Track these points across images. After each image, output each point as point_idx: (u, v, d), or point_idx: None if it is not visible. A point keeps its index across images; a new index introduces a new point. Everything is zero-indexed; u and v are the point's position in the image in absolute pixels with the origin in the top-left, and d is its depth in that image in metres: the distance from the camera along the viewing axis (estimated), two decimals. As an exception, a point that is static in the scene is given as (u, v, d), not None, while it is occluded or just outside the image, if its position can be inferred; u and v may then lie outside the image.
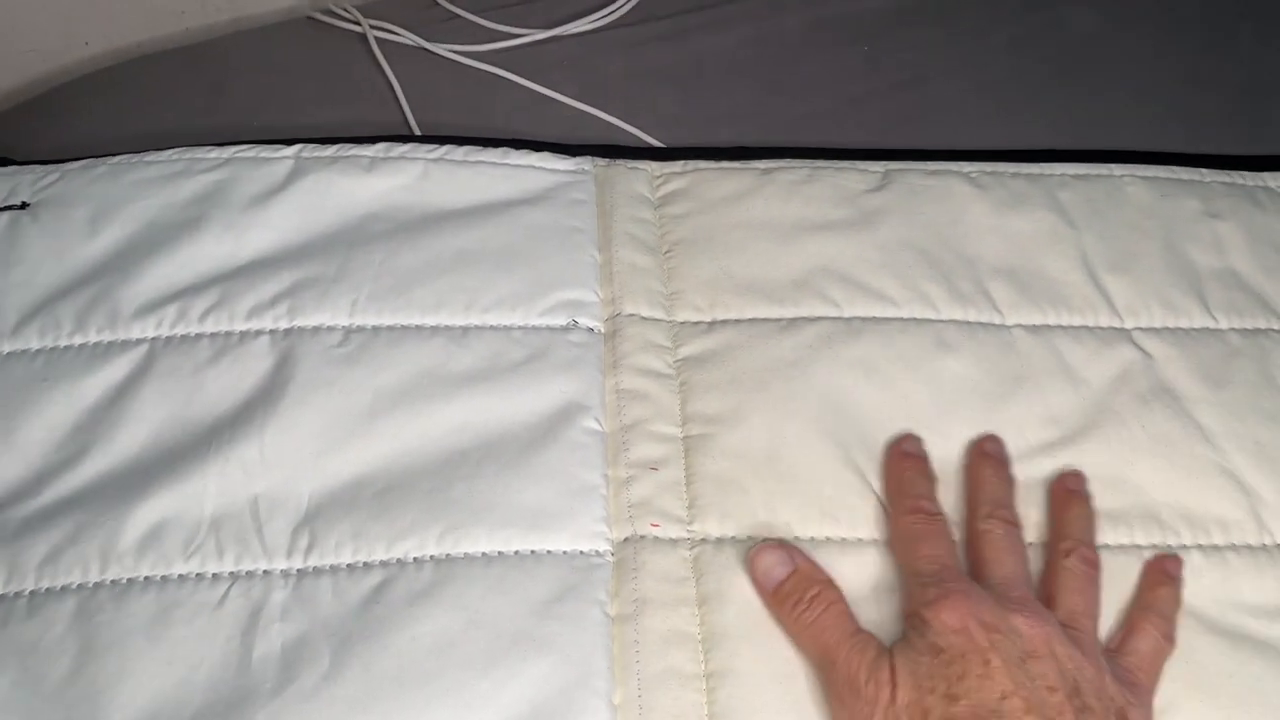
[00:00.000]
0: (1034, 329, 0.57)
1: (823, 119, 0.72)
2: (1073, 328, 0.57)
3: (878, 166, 0.64)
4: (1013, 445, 0.52)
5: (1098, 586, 0.47)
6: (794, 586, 0.46)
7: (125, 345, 0.54)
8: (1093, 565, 0.47)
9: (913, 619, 0.44)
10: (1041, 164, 0.65)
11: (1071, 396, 0.54)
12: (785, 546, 0.47)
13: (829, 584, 0.46)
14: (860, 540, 0.49)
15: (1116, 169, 0.65)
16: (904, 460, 0.51)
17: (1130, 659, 0.45)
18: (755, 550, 0.47)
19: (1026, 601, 0.44)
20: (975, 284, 0.58)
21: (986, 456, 0.51)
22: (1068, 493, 0.51)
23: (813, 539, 0.49)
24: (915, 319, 0.57)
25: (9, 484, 0.49)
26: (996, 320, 0.57)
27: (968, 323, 0.57)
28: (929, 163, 0.65)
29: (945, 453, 0.52)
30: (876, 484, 0.51)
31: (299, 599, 0.46)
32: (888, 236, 0.60)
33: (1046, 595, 0.46)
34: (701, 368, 0.54)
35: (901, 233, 0.60)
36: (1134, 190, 0.64)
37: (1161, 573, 0.49)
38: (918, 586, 0.45)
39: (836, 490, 0.50)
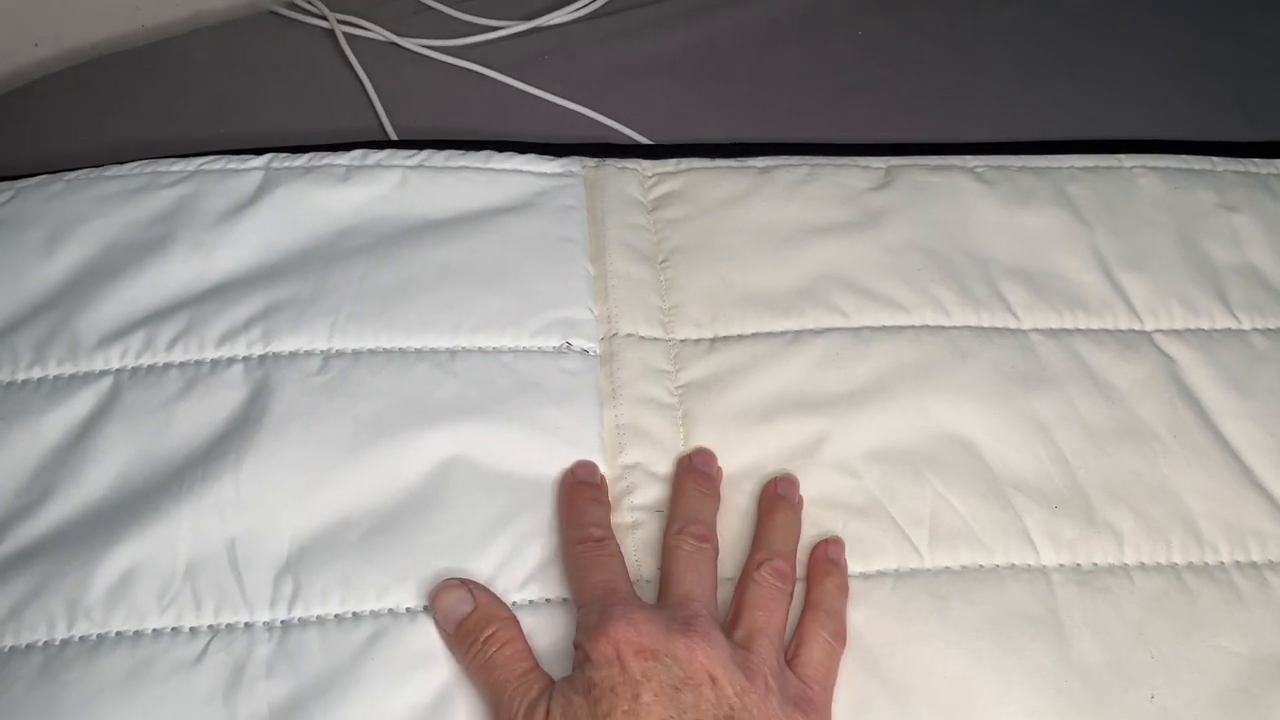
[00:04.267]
0: (1052, 333, 0.54)
1: (818, 110, 0.69)
2: (1092, 330, 0.55)
3: (879, 163, 0.61)
4: (1043, 450, 0.50)
5: (786, 602, 0.44)
6: (473, 624, 0.43)
7: (88, 378, 0.50)
8: (784, 579, 0.44)
9: (576, 652, 0.41)
10: (1049, 155, 0.62)
11: (1100, 402, 0.52)
12: (467, 584, 0.44)
13: (508, 621, 0.43)
14: (881, 573, 0.47)
15: (1126, 160, 0.62)
16: (576, 489, 0.47)
17: (805, 670, 0.43)
18: (437, 588, 0.44)
19: (693, 622, 0.41)
20: (988, 286, 0.56)
21: (691, 472, 0.48)
22: (775, 498, 0.48)
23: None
24: (928, 326, 0.54)
25: (-34, 533, 0.46)
26: (1012, 324, 0.54)
27: (982, 328, 0.54)
28: (932, 157, 0.62)
29: (972, 466, 0.49)
30: (897, 512, 0.48)
31: (285, 654, 0.43)
32: (893, 238, 0.57)
33: (735, 610, 0.44)
34: (704, 396, 0.51)
35: (908, 233, 0.57)
36: (1145, 182, 0.61)
37: (826, 561, 0.46)
38: (582, 615, 0.43)
39: (863, 524, 0.48)
